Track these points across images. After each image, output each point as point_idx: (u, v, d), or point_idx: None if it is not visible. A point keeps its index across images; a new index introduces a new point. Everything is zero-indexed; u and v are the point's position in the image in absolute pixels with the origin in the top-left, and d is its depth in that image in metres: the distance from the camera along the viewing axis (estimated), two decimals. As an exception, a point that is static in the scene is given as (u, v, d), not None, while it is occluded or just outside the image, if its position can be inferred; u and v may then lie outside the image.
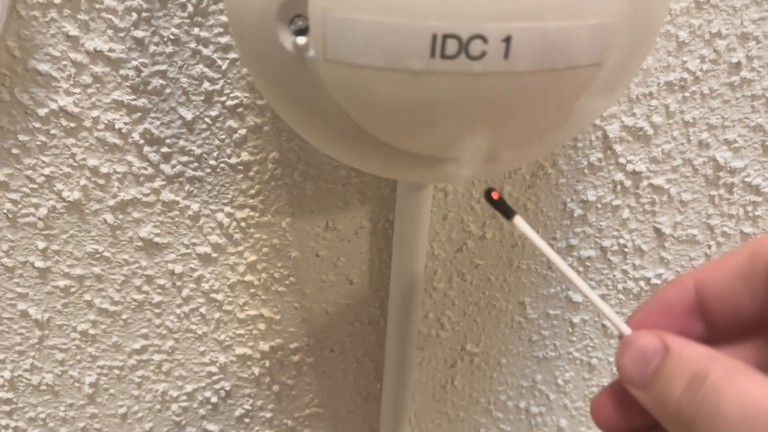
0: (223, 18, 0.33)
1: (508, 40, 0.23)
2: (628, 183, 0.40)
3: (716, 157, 0.39)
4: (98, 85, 0.34)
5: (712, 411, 0.19)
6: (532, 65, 0.23)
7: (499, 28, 0.22)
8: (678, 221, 0.42)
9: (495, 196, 0.26)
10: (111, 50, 0.33)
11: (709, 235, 0.42)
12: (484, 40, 0.23)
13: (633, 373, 0.22)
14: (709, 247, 0.43)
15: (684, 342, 0.22)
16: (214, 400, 0.46)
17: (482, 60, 0.23)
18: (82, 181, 0.36)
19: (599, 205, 0.41)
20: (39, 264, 0.39)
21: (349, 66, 0.24)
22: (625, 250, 0.43)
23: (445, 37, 0.22)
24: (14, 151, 0.35)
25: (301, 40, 0.25)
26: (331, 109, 0.26)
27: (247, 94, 0.35)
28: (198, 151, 0.36)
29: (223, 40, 0.33)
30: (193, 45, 0.33)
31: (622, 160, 0.39)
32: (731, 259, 0.23)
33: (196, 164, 0.37)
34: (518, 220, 0.26)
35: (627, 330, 0.24)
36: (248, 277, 0.41)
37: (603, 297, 0.44)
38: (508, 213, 0.26)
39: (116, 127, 0.35)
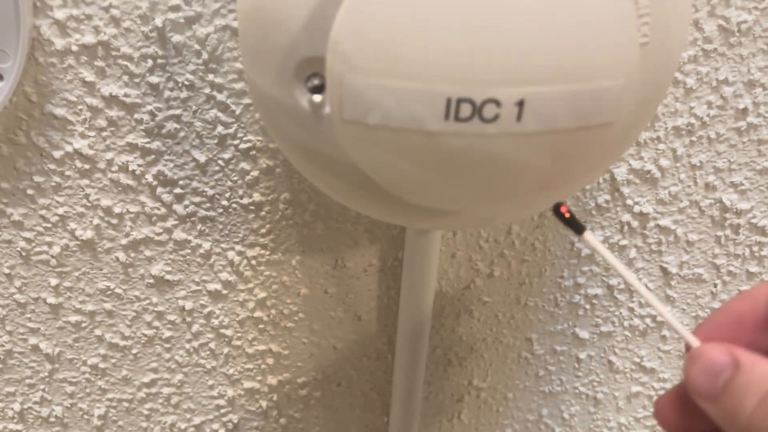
0: (238, 65, 0.33)
1: (521, 103, 0.23)
2: (635, 224, 0.40)
3: (723, 199, 0.40)
4: (113, 128, 0.34)
5: None
6: (544, 127, 0.24)
7: (513, 93, 0.23)
8: (684, 261, 0.42)
9: (564, 211, 0.27)
10: (126, 95, 0.34)
11: (714, 274, 0.43)
12: (498, 104, 0.23)
13: (701, 386, 0.23)
14: (715, 285, 0.43)
15: (755, 357, 0.22)
16: (221, 432, 0.46)
17: (495, 122, 0.23)
18: (95, 221, 0.37)
19: (606, 245, 0.41)
20: (51, 300, 0.39)
21: (364, 126, 0.24)
22: (632, 288, 0.43)
23: (459, 101, 0.23)
24: (29, 191, 0.36)
25: (318, 98, 0.25)
26: (344, 164, 0.27)
27: (260, 138, 0.35)
28: (210, 192, 0.37)
29: (237, 86, 0.34)
30: (207, 90, 0.34)
31: (629, 202, 0.39)
32: None
33: (208, 204, 0.37)
34: (588, 236, 0.27)
35: (695, 342, 0.24)
36: (258, 313, 0.41)
37: (609, 334, 0.45)
38: (577, 228, 0.27)
39: (130, 168, 0.36)
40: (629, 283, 0.27)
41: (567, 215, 0.28)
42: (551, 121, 0.24)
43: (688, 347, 0.24)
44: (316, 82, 0.26)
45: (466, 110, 0.23)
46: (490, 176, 0.25)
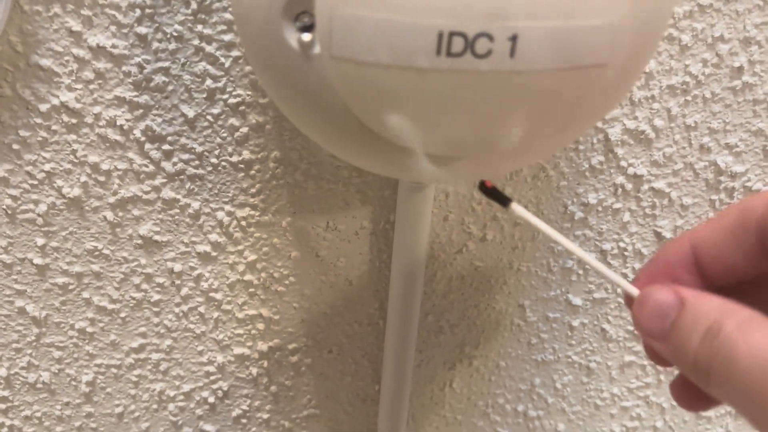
0: (227, 15, 0.33)
1: (514, 38, 0.23)
2: (629, 186, 0.40)
3: (717, 161, 0.39)
4: (100, 81, 0.34)
5: (726, 361, 0.20)
6: (537, 64, 0.23)
7: (506, 27, 0.22)
8: (678, 225, 0.42)
9: (488, 185, 0.29)
10: (114, 46, 0.33)
11: (709, 239, 0.42)
12: (490, 38, 0.23)
13: (651, 327, 0.23)
14: (709, 251, 0.43)
15: (699, 294, 0.23)
16: (211, 400, 0.45)
17: (488, 58, 0.23)
18: (83, 178, 0.36)
19: (600, 208, 0.41)
20: (38, 261, 0.39)
21: (354, 63, 0.24)
22: (626, 253, 0.43)
23: (452, 34, 0.22)
24: (15, 146, 0.35)
25: (307, 36, 0.25)
26: (335, 106, 0.26)
27: (249, 92, 0.35)
28: (199, 149, 0.36)
29: (227, 37, 0.33)
30: (196, 42, 0.33)
31: (623, 164, 0.39)
32: (723, 219, 0.25)
33: (197, 162, 0.37)
34: (515, 206, 0.28)
35: (635, 291, 0.25)
36: (248, 277, 0.41)
37: (603, 301, 0.44)
38: (503, 201, 0.28)
39: (118, 123, 0.35)
40: (565, 247, 0.27)
41: (489, 187, 0.29)
42: (545, 58, 0.23)
43: (628, 300, 0.26)
44: (305, 20, 0.25)
45: (458, 45, 0.23)
46: (482, 117, 0.25)
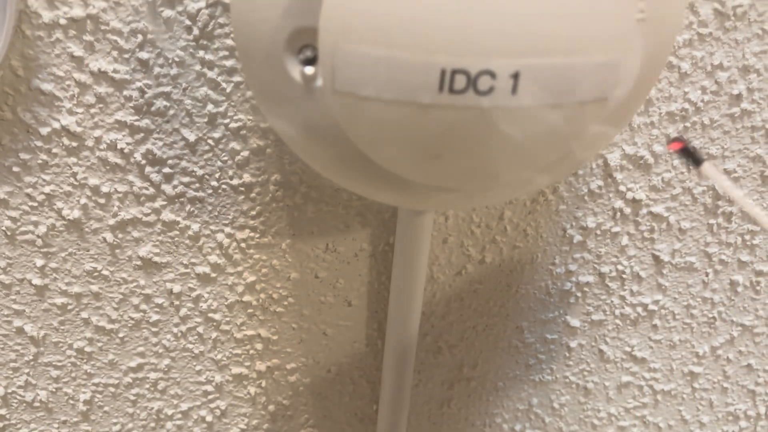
0: (229, 41, 0.33)
1: (516, 76, 0.23)
2: (627, 210, 0.40)
3: (715, 186, 0.40)
4: (101, 105, 0.34)
5: None
6: (539, 100, 0.24)
7: (508, 64, 0.23)
8: (676, 248, 0.42)
9: (677, 146, 0.27)
10: (115, 71, 0.33)
11: (706, 262, 0.42)
12: (493, 75, 0.23)
13: None
14: (707, 274, 0.43)
15: None
16: (209, 418, 0.45)
17: (490, 95, 0.23)
18: (83, 200, 0.36)
19: (598, 232, 0.41)
20: (36, 281, 0.39)
21: (357, 97, 0.24)
22: (624, 276, 0.43)
23: (454, 72, 0.23)
24: (15, 169, 0.35)
25: (309, 70, 0.25)
26: (336, 138, 0.26)
27: (250, 117, 0.35)
28: (200, 172, 0.36)
29: (228, 63, 0.33)
30: (197, 67, 0.33)
31: (622, 188, 0.39)
32: None
33: (197, 185, 0.37)
34: (707, 167, 0.27)
35: None
36: (247, 298, 0.41)
37: (600, 322, 0.44)
38: (696, 160, 0.27)
39: (118, 147, 0.35)
40: (755, 216, 0.27)
41: (681, 146, 0.27)
42: (546, 94, 0.24)
43: None
44: (308, 53, 0.25)
45: (460, 82, 0.23)
46: (483, 151, 0.25)
